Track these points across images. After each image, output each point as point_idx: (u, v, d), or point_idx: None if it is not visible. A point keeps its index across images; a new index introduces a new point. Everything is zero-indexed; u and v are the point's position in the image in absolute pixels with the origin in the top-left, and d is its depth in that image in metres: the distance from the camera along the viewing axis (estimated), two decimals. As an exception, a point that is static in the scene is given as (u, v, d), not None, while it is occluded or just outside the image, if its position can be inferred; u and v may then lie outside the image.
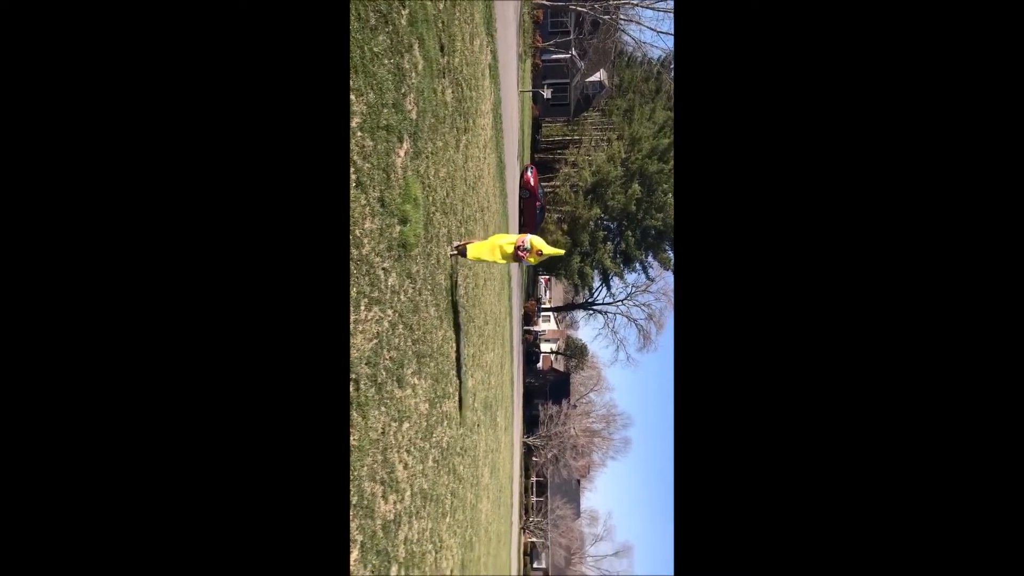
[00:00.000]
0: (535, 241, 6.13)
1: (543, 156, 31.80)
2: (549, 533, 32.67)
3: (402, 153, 4.66)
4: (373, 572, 3.88)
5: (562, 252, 6.90)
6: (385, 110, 4.19)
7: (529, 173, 21.38)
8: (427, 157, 5.52)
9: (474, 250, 6.27)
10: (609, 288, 33.01)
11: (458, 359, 7.23)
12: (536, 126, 30.86)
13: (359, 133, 3.67)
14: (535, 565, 33.75)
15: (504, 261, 6.28)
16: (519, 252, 6.01)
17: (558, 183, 29.27)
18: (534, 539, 32.72)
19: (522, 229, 21.70)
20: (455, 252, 6.51)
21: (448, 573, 6.91)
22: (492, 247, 6.16)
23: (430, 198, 5.66)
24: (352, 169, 3.57)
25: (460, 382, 7.55)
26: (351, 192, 3.54)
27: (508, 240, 6.22)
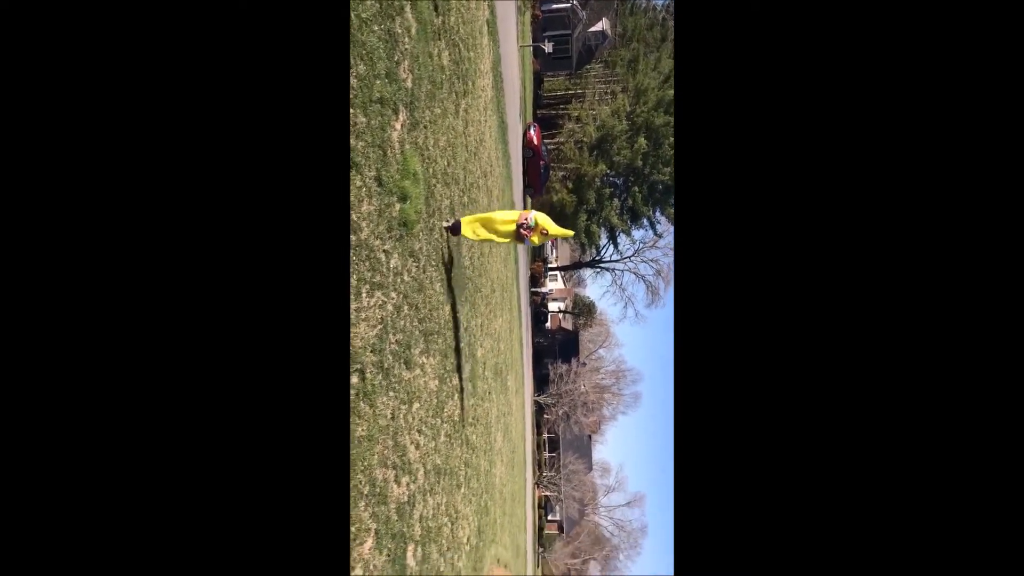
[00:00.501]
0: (540, 218, 5.46)
1: (546, 112, 30.96)
2: (562, 487, 33.48)
3: (398, 126, 4.43)
4: (389, 556, 3.89)
5: (571, 233, 6.00)
6: (378, 81, 3.95)
7: (532, 131, 20.82)
8: (425, 127, 5.28)
9: (469, 226, 5.59)
10: (616, 245, 32.69)
11: (456, 331, 7.16)
12: (538, 81, 29.93)
13: (350, 110, 3.45)
14: (550, 517, 34.78)
15: (505, 240, 5.59)
16: (521, 231, 5.39)
17: (562, 140, 28.58)
18: (548, 493, 33.59)
19: (526, 190, 21.29)
20: (447, 228, 5.81)
21: (465, 541, 7.04)
22: (490, 223, 5.51)
23: (430, 170, 5.45)
24: (345, 149, 3.38)
25: (469, 354, 7.50)
26: (345, 174, 3.36)
27: (509, 217, 5.57)
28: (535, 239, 5.49)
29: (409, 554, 4.44)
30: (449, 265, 6.24)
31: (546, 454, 34.67)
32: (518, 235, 5.43)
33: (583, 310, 40.56)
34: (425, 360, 5.09)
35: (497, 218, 5.55)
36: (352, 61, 3.50)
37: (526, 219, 5.43)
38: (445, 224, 5.78)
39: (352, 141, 3.47)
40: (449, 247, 6.29)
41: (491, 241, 5.73)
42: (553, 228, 5.47)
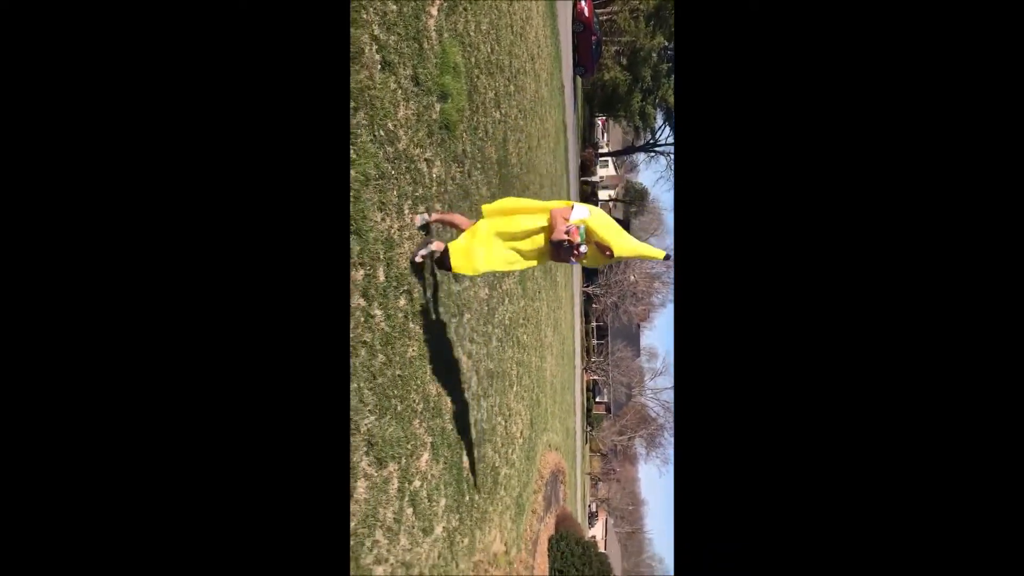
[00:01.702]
0: (596, 222, 2.98)
1: (598, -24, 27.76)
2: (610, 372, 34.61)
3: (434, 11, 3.90)
4: (446, 463, 4.02)
5: (660, 255, 3.03)
6: (408, -42, 3.41)
7: (583, 2, 18.80)
8: (465, 9, 4.68)
9: (462, 252, 3.07)
10: (673, 127, 30.55)
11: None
12: (589, -62, 26.50)
13: (378, -2, 3.00)
14: (597, 399, 36.43)
15: (529, 263, 3.17)
16: (564, 249, 2.97)
17: (615, 9, 25.83)
18: (596, 377, 34.88)
19: (576, 70, 19.69)
20: (423, 258, 3.36)
21: (518, 435, 7.34)
22: (503, 237, 3.07)
23: (472, 60, 4.92)
24: (375, 46, 2.98)
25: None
26: (377, 77, 2.99)
27: (534, 222, 3.05)
28: (587, 260, 3.06)
29: (465, 457, 4.61)
30: (495, 164, 5.86)
31: (594, 341, 35.52)
32: (557, 254, 3.04)
33: (634, 197, 39.12)
34: (474, 270, 4.94)
35: (513, 228, 3.07)
36: (376, -65, 2.98)
37: (567, 227, 2.94)
38: (424, 253, 3.35)
39: (383, 35, 3.05)
40: (501, 142, 5.86)
41: (502, 271, 3.32)
42: (624, 246, 2.99)
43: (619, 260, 3.10)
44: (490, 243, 3.06)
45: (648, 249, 3.07)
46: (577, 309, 24.43)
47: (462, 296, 4.53)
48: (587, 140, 30.31)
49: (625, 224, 33.46)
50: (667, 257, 2.84)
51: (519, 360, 7.54)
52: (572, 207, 3.07)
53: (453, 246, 3.11)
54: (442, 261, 3.20)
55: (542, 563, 9.20)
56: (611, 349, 35.49)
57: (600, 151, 36.25)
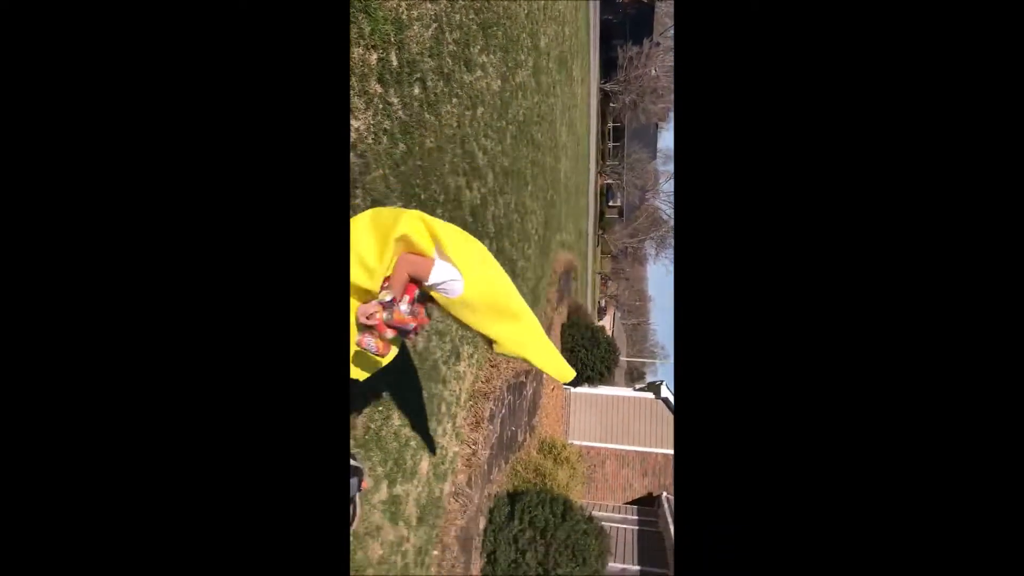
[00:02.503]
0: (466, 304, 1.80)
1: None
2: (625, 176, 34.19)
3: None
4: (468, 251, 4.33)
5: (565, 375, 1.97)
6: None
7: None
8: None
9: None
10: None
11: (516, 20, 6.38)
12: None
13: None
14: (611, 203, 36.65)
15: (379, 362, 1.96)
16: (369, 329, 1.79)
17: None
18: (610, 181, 34.64)
19: None
20: None
21: (533, 232, 7.67)
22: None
23: None
24: None
25: (531, 45, 6.84)
26: None
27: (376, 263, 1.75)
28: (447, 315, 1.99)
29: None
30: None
31: (610, 144, 34.48)
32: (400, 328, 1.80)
33: (661, -24, 34.37)
34: (486, 59, 4.70)
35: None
36: None
37: (370, 312, 1.75)
38: None
39: None
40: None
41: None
42: (512, 340, 1.89)
43: (500, 355, 1.69)
44: None
45: (548, 359, 1.89)
46: (593, 109, 23.29)
47: (475, 87, 4.40)
48: (610, -100, 25.60)
49: (649, 8, 29.51)
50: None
51: (534, 159, 7.53)
52: (436, 255, 1.76)
53: None
54: None
55: (556, 344, 10.31)
56: (627, 151, 34.62)
57: (625, -86, 30.85)
